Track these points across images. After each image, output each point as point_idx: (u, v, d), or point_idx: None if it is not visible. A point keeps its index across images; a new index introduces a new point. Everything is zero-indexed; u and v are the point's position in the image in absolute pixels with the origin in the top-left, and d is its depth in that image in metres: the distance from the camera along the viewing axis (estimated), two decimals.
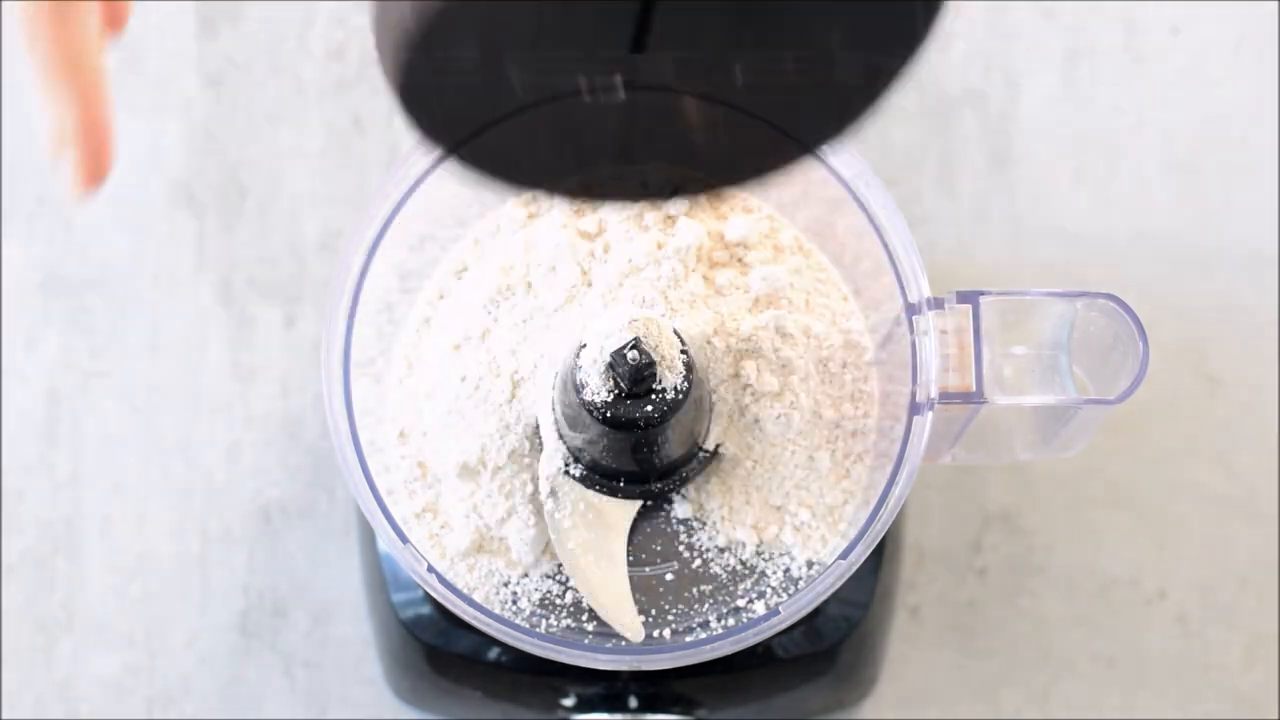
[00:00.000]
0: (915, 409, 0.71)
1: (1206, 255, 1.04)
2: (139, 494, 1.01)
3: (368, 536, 0.87)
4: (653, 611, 0.74)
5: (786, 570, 0.74)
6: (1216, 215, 1.05)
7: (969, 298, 0.71)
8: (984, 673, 1.00)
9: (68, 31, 0.58)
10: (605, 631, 0.72)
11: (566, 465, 0.73)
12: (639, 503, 0.74)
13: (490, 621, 0.70)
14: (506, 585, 0.74)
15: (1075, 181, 1.05)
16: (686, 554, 0.75)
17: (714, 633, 0.73)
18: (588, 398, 0.69)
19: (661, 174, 0.58)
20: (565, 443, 0.73)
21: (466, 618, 0.70)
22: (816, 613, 0.73)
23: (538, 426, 0.74)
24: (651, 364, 0.69)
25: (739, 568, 0.74)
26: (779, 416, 0.73)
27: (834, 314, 0.76)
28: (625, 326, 0.69)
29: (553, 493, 0.73)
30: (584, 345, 0.69)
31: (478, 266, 0.77)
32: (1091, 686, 1.00)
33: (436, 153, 0.55)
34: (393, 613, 0.85)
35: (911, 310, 0.71)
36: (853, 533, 0.73)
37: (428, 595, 0.74)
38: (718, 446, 0.74)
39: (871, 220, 0.74)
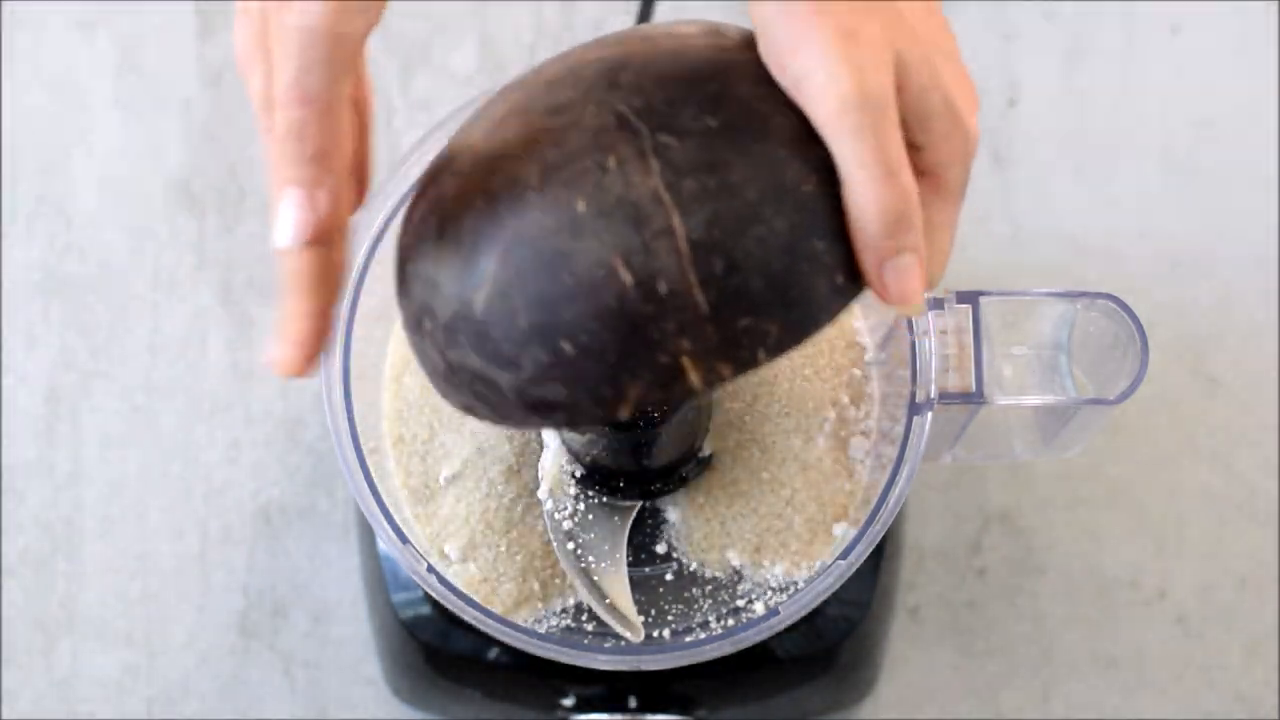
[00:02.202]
0: (915, 409, 0.71)
1: (1206, 256, 1.04)
2: (139, 494, 1.01)
3: (367, 536, 0.87)
4: (652, 611, 0.74)
5: (786, 570, 0.74)
6: (1216, 215, 1.05)
7: (969, 298, 0.71)
8: (983, 673, 1.00)
9: None
10: (605, 631, 0.72)
11: (567, 465, 0.73)
12: (639, 503, 0.74)
13: (490, 621, 0.70)
14: None
15: (1075, 181, 1.05)
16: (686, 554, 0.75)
17: (714, 633, 0.73)
18: None
19: None
20: (565, 443, 0.73)
21: (466, 617, 0.70)
22: (816, 613, 0.73)
23: None
24: None
25: (739, 568, 0.74)
26: (779, 417, 0.73)
27: None
28: None
29: (552, 493, 0.73)
30: None
31: None
32: (1091, 687, 1.00)
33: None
34: (392, 613, 0.85)
35: None
36: (852, 533, 0.73)
37: (427, 595, 0.74)
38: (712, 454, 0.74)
39: None
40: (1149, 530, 1.01)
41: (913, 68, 0.55)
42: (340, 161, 0.56)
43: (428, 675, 0.86)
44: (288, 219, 0.56)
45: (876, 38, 0.54)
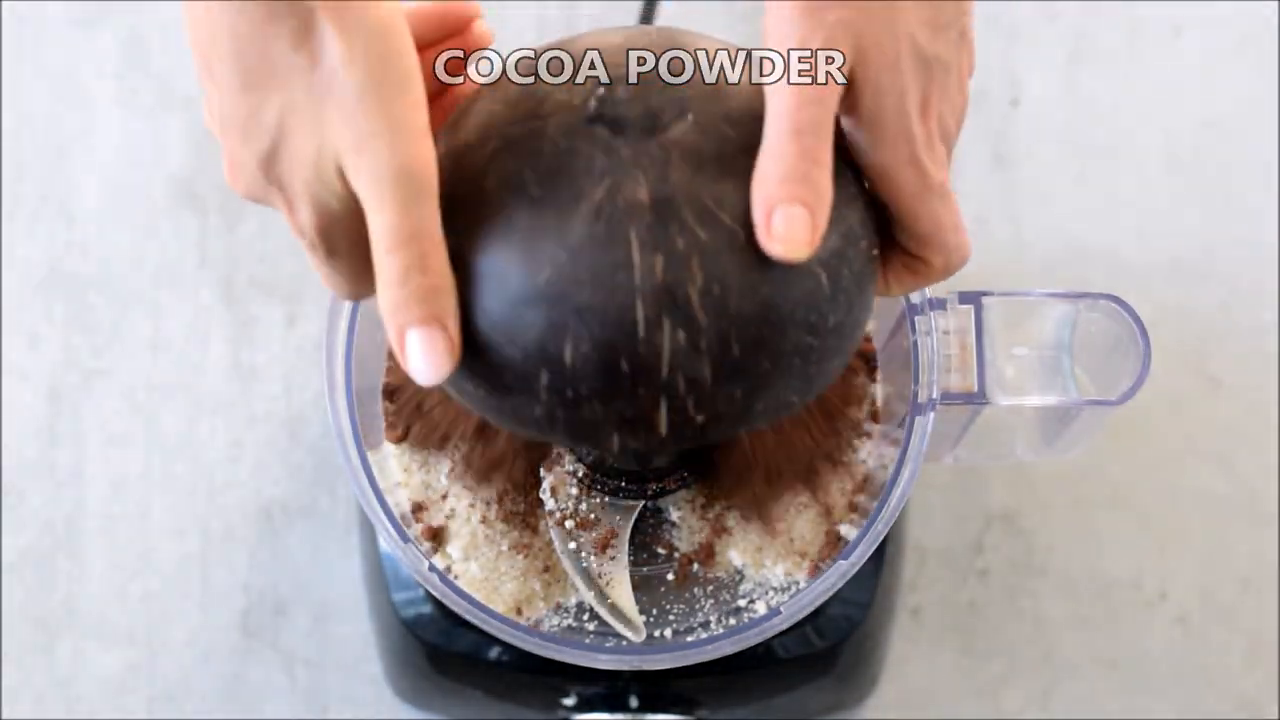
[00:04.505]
0: (917, 409, 0.71)
1: (1208, 256, 1.04)
2: (140, 492, 1.01)
3: (369, 535, 0.87)
4: (654, 611, 0.74)
5: (787, 570, 0.74)
6: (1217, 216, 1.05)
7: (971, 298, 0.71)
8: (985, 673, 1.00)
9: None
10: (605, 631, 0.72)
11: (568, 465, 0.73)
12: (640, 503, 0.74)
13: (491, 621, 0.70)
14: None
15: (1077, 182, 1.05)
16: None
17: (715, 632, 0.73)
18: None
19: None
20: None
21: (468, 617, 0.70)
22: (817, 613, 0.73)
23: None
24: None
25: (740, 568, 0.74)
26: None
27: None
28: None
29: (554, 492, 0.73)
30: None
31: None
32: (1092, 687, 1.00)
33: None
34: (393, 612, 0.85)
35: (913, 310, 0.71)
36: (854, 533, 0.73)
37: (428, 594, 0.74)
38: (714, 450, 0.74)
39: None
40: (1150, 531, 1.01)
41: (873, 64, 0.56)
42: (450, 281, 0.55)
43: (429, 674, 0.86)
44: (431, 360, 0.55)
45: (838, 21, 0.55)
